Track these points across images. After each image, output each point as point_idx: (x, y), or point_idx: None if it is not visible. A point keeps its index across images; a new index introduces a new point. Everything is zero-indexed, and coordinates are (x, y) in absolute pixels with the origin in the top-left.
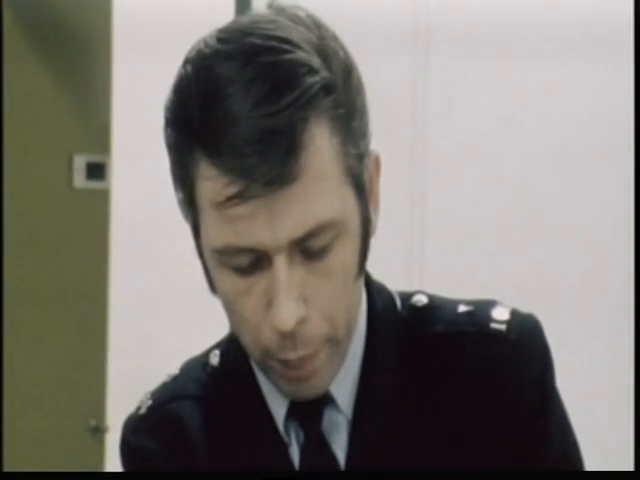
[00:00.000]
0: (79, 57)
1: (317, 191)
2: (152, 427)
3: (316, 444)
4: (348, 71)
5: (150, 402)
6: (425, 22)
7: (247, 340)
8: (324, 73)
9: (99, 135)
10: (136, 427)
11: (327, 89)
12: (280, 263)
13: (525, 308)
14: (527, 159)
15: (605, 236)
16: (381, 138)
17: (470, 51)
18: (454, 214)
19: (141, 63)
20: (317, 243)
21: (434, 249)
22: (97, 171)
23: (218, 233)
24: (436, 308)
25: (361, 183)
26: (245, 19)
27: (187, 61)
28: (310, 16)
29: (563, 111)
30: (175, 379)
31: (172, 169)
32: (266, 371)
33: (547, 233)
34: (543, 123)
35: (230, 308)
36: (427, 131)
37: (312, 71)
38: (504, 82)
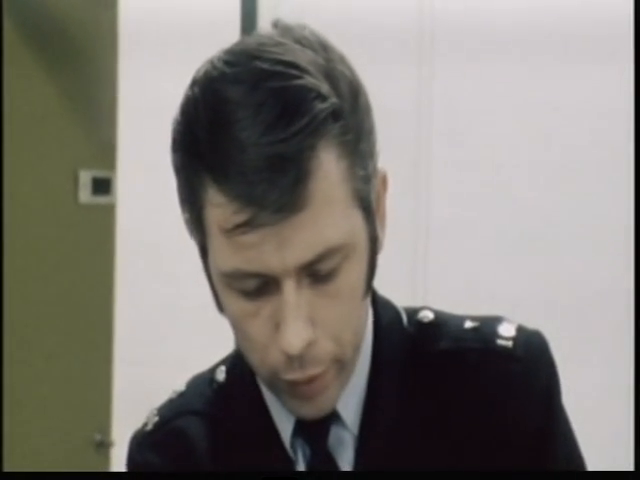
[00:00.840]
0: (85, 72)
1: (325, 216)
2: (158, 444)
3: (322, 461)
4: (356, 93)
5: (156, 418)
6: (429, 32)
7: (254, 360)
8: (333, 99)
9: (105, 150)
10: (142, 443)
11: (336, 115)
12: (288, 287)
13: (526, 319)
14: (532, 169)
15: (607, 247)
16: (384, 149)
17: (474, 60)
18: (457, 225)
19: (147, 79)
20: (325, 266)
21: (437, 261)
22: (103, 186)
23: (226, 258)
24: (442, 324)
25: (369, 204)
26: (251, 40)
27: (194, 82)
28: (316, 37)
29: (568, 119)
30: (181, 395)
31: (179, 191)
32: (273, 389)
33: (550, 244)
34: (548, 134)
35: (237, 329)
36: (430, 142)
37: (320, 97)
38: (508, 92)
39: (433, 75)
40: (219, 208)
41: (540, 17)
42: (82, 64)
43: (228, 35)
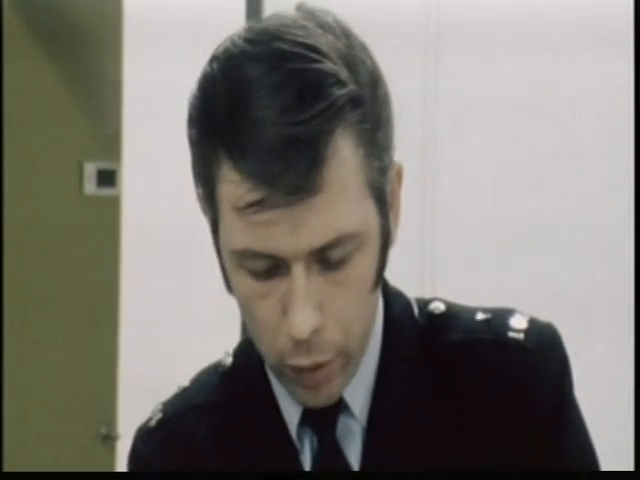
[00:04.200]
0: (90, 64)
1: (339, 203)
2: (161, 441)
3: (330, 451)
4: (375, 82)
5: (160, 415)
6: (435, 26)
7: (262, 343)
8: (352, 86)
9: (110, 142)
10: (145, 439)
11: (354, 102)
12: (298, 271)
13: (534, 312)
14: (540, 162)
15: (614, 240)
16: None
17: (480, 53)
18: (464, 217)
19: (152, 70)
20: (336, 254)
21: (445, 254)
22: (108, 178)
23: (238, 236)
24: (453, 315)
25: (383, 196)
26: (274, 21)
27: (214, 59)
28: (339, 23)
29: (573, 111)
30: (185, 390)
31: (193, 165)
32: (280, 376)
33: (558, 238)
34: (555, 126)
35: (246, 310)
36: (437, 135)
37: (339, 83)
38: (516, 85)
39: (439, 67)
40: (233, 185)
41: (544, 10)
42: (87, 55)
43: (233, 24)
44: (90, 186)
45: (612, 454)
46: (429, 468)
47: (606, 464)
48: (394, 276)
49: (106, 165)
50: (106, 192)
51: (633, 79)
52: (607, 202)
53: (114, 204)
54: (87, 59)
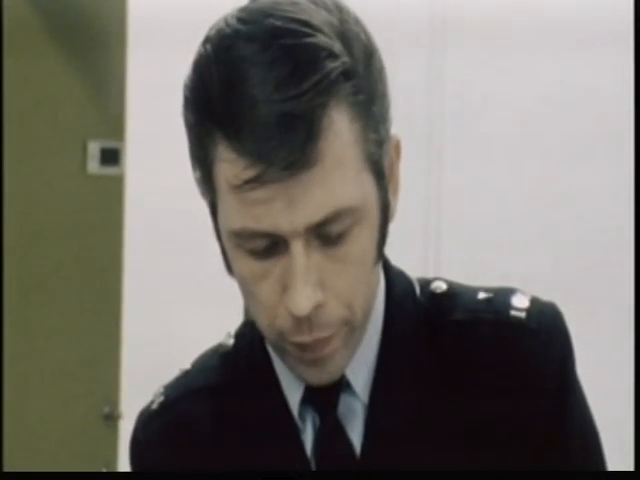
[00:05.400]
0: (94, 44)
1: (336, 177)
2: (162, 425)
3: (332, 429)
4: (369, 55)
5: (162, 398)
6: (441, 15)
7: (262, 322)
8: (344, 58)
9: (113, 121)
10: (147, 423)
11: (347, 74)
12: (297, 248)
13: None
14: (543, 151)
15: (619, 229)
16: (396, 130)
17: (485, 43)
18: (469, 203)
19: (156, 50)
20: (335, 229)
21: (449, 240)
22: (111, 157)
23: (235, 216)
24: (455, 295)
25: (381, 169)
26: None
27: (207, 40)
28: None
29: (577, 104)
30: (187, 373)
31: (190, 148)
32: (282, 354)
33: (562, 225)
34: (558, 115)
35: (246, 290)
36: (443, 123)
37: (332, 56)
38: (519, 74)
39: (444, 59)
40: (229, 164)
41: (548, 3)
42: (91, 36)
43: (237, 6)
44: (93, 165)
45: (612, 454)
46: (430, 447)
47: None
48: (397, 256)
49: (110, 144)
50: (110, 171)
51: (633, 77)
52: (609, 198)
53: (117, 183)
54: (91, 39)
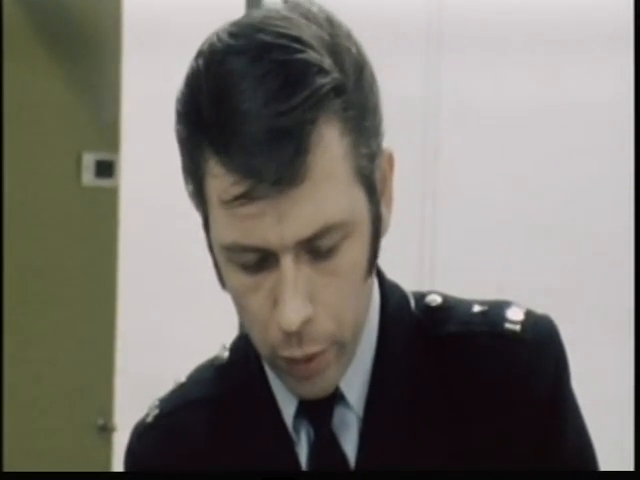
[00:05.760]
0: (88, 55)
1: (325, 192)
2: (157, 437)
3: (326, 442)
4: (360, 70)
5: (157, 411)
6: (437, 21)
7: (255, 335)
8: (335, 74)
9: (108, 133)
10: (142, 436)
11: (337, 90)
12: (287, 263)
13: (535, 306)
14: (539, 156)
15: (616, 233)
16: (392, 137)
17: (481, 50)
18: (464, 211)
19: (150, 61)
20: (325, 243)
21: (445, 247)
22: (106, 169)
23: (226, 230)
24: (450, 308)
25: (372, 183)
26: (258, 14)
27: (199, 54)
28: (323, 12)
29: (574, 109)
30: (182, 386)
31: (182, 162)
32: (275, 368)
33: (558, 230)
34: (554, 121)
35: (238, 303)
36: (439, 129)
37: (322, 72)
38: (515, 80)
39: (440, 65)
40: (219, 179)
41: (545, 9)
42: (86, 46)
43: (233, 15)
44: (88, 177)
45: (612, 454)
46: (425, 459)
47: (606, 464)
48: (392, 269)
49: (104, 156)
50: (104, 183)
51: (633, 77)
52: (608, 200)
53: (112, 195)
54: (85, 50)
